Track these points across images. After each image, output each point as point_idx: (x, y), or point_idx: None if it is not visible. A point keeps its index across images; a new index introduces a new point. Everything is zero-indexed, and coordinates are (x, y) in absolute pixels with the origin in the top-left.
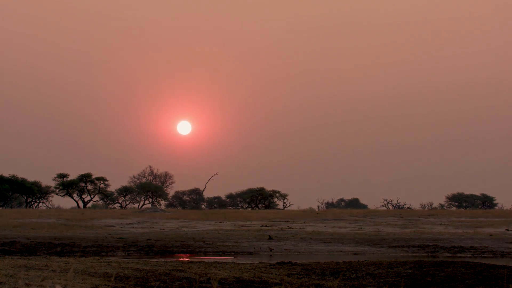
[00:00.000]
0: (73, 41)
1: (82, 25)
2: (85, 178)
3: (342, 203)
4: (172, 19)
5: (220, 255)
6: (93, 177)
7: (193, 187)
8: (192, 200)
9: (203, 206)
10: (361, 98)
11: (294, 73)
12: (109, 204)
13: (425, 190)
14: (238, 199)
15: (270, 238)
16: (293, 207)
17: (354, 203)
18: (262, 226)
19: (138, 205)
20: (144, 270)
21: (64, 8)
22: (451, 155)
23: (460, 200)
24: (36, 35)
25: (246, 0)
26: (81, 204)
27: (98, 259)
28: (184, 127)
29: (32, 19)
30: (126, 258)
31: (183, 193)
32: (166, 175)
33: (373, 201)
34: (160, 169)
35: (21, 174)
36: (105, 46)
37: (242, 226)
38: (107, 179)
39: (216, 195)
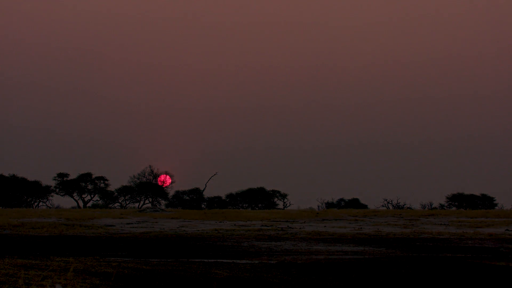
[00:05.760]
0: (75, 42)
1: (85, 27)
2: (85, 177)
3: (342, 203)
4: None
5: (220, 255)
6: (93, 176)
7: (193, 187)
8: (192, 200)
9: (203, 206)
10: (361, 98)
11: (293, 72)
12: (109, 203)
13: (425, 190)
14: (238, 199)
15: (270, 238)
16: (293, 207)
17: (354, 203)
18: (262, 226)
19: (138, 205)
20: (144, 270)
21: (69, 17)
22: (452, 155)
23: (460, 200)
24: (36, 34)
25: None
26: (81, 204)
27: (98, 259)
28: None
29: (32, 18)
30: (126, 258)
31: (183, 192)
32: (166, 175)
33: (373, 201)
34: (160, 169)
35: (21, 174)
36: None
37: (242, 226)
38: (107, 178)
39: (216, 195)
